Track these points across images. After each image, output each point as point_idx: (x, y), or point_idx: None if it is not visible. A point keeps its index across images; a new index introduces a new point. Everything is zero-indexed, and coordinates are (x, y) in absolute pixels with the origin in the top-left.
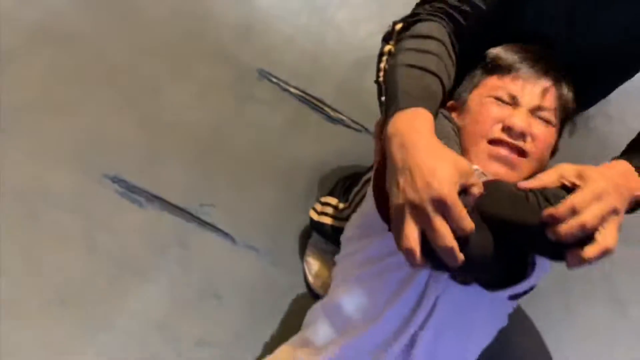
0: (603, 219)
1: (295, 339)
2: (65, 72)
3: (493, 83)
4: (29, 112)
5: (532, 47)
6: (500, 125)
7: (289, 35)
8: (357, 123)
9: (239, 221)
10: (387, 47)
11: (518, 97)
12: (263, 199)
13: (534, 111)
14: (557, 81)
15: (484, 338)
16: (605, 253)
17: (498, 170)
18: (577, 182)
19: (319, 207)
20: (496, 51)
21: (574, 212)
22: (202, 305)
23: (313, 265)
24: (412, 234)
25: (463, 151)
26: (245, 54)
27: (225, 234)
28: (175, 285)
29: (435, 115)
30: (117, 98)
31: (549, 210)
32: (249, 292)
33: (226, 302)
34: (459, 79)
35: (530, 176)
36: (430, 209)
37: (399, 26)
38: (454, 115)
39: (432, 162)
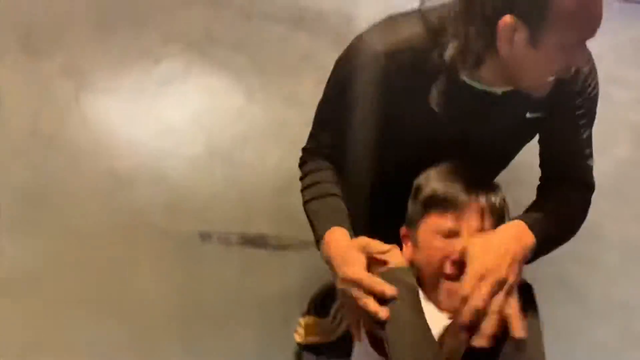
0: (493, 294)
1: None
2: (32, 313)
3: (434, 221)
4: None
5: (456, 167)
6: (449, 260)
7: (211, 192)
8: (302, 241)
9: None
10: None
11: (458, 230)
12: (247, 343)
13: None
14: (487, 195)
15: None
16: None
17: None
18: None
19: (300, 330)
20: (429, 189)
21: (464, 300)
22: None
23: None
24: (351, 316)
25: (423, 290)
26: (181, 224)
27: None
28: None
29: (348, 219)
30: (89, 311)
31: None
32: None
33: None
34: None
35: None
36: (352, 289)
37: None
38: (406, 246)
39: (342, 258)
